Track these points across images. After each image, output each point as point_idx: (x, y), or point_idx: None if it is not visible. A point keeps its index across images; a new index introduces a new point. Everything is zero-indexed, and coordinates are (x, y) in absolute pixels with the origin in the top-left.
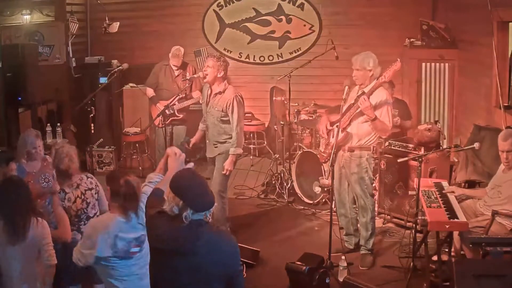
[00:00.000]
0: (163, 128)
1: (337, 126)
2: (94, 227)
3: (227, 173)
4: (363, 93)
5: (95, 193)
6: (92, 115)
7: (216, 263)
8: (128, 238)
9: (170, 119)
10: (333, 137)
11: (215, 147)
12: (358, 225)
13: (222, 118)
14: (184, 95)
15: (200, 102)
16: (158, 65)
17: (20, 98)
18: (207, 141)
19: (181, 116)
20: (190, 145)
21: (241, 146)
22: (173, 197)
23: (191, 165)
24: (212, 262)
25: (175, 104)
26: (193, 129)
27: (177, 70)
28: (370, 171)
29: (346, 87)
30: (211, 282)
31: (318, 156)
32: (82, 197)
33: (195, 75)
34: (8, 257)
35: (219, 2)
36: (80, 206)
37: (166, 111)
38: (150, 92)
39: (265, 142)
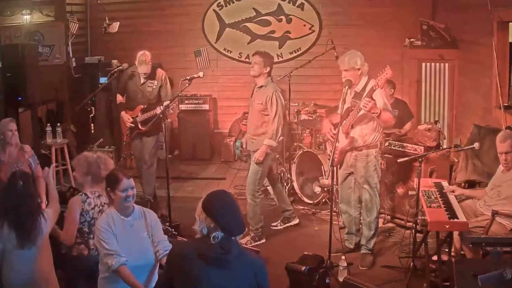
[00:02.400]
0: (164, 124)
1: (337, 129)
2: None
3: (255, 161)
4: (356, 93)
5: None
6: (92, 115)
7: (248, 274)
8: None
9: (135, 132)
10: (338, 141)
11: (252, 142)
12: (360, 225)
13: (261, 112)
14: (146, 106)
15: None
16: (126, 71)
17: (20, 98)
18: (248, 134)
19: (143, 129)
20: (245, 146)
21: (275, 140)
22: (205, 217)
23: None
24: (244, 273)
25: (138, 116)
26: (191, 130)
27: (144, 77)
28: (378, 168)
29: (346, 87)
30: None
31: (321, 158)
32: (101, 207)
33: (195, 75)
34: (15, 263)
35: (219, 2)
36: (96, 215)
37: (168, 109)
38: (119, 98)
39: None
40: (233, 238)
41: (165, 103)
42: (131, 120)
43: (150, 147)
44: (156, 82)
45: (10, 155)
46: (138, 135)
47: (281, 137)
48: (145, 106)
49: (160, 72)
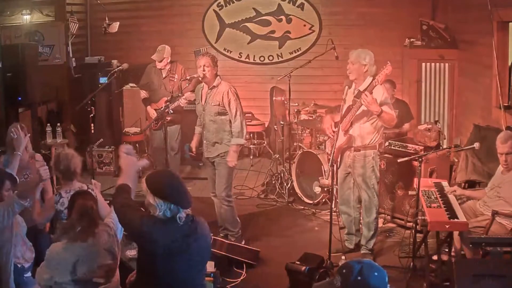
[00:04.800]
0: (163, 129)
1: (337, 128)
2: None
3: (232, 165)
4: (359, 92)
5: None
6: (92, 115)
7: (207, 247)
8: (90, 264)
9: (160, 122)
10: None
11: (214, 147)
12: (360, 225)
13: (219, 111)
14: (170, 98)
15: (192, 102)
16: (148, 66)
17: (20, 98)
18: (205, 141)
19: (169, 118)
20: (194, 151)
21: (243, 137)
22: (164, 200)
23: (144, 161)
24: (205, 248)
25: (162, 107)
26: (188, 128)
27: (163, 69)
28: (376, 169)
29: (346, 87)
30: (204, 264)
31: (321, 158)
32: None
33: (195, 75)
34: None
35: (219, 2)
36: None
37: (168, 110)
38: (143, 94)
39: (265, 142)
40: (191, 216)
41: (175, 101)
42: (156, 115)
43: (175, 135)
44: (176, 75)
45: (21, 160)
46: (162, 126)
47: (282, 138)
48: (169, 98)
49: (179, 66)
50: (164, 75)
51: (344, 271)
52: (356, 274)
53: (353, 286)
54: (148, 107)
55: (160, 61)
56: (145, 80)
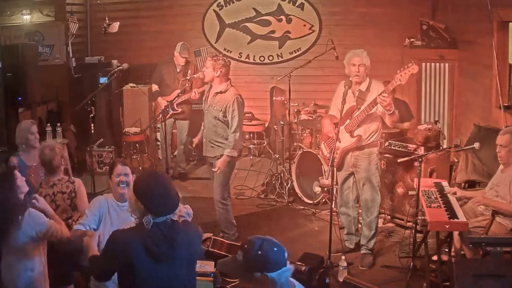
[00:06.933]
0: (163, 124)
1: (338, 128)
2: None
3: (218, 172)
4: (361, 92)
5: (68, 199)
6: (92, 115)
7: (190, 253)
8: None
9: (171, 112)
10: (339, 141)
11: (212, 146)
12: (360, 225)
13: (220, 118)
14: (182, 92)
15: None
16: (162, 61)
17: (20, 98)
18: (204, 139)
19: (179, 110)
20: (194, 145)
21: (237, 149)
22: (135, 200)
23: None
24: (187, 254)
25: (173, 99)
26: (195, 127)
27: (180, 65)
28: (379, 167)
29: (346, 87)
30: (189, 268)
31: (321, 158)
32: (52, 197)
33: (195, 75)
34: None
35: (219, 2)
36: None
37: (168, 109)
38: (154, 87)
39: (265, 142)
40: (172, 221)
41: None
42: (166, 104)
43: (185, 129)
44: (189, 71)
45: (35, 159)
46: (171, 116)
47: (282, 138)
48: (181, 91)
49: (192, 63)
50: (178, 70)
51: (246, 246)
52: (256, 249)
53: (253, 260)
54: (159, 98)
55: (184, 57)
56: (158, 75)
